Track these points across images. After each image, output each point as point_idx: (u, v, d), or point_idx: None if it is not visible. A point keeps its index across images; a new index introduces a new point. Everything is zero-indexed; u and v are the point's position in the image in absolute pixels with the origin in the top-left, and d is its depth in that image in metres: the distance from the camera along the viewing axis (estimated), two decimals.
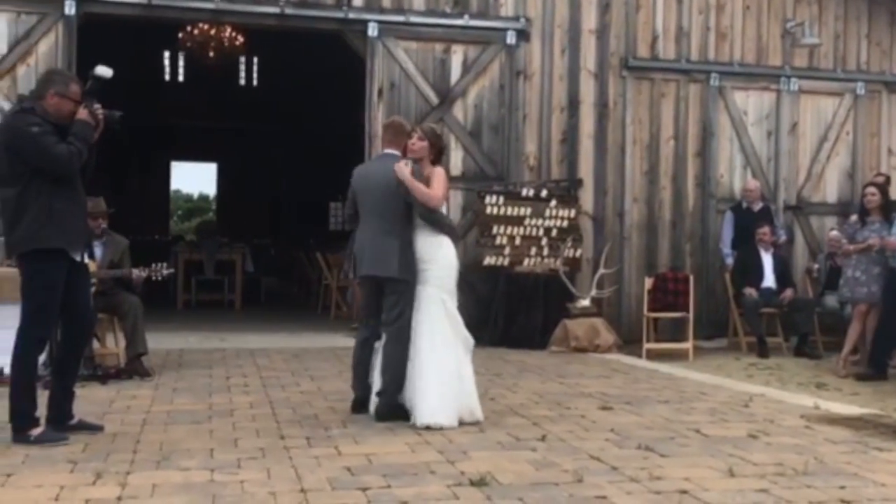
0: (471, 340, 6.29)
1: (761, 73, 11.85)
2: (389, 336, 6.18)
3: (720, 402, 7.08)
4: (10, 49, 9.95)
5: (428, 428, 5.83)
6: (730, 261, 11.14)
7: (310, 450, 5.28)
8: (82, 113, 5.45)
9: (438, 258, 6.17)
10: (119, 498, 4.26)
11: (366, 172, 6.52)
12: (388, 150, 6.45)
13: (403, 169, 6.13)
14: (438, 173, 6.23)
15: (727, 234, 11.30)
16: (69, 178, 5.43)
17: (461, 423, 5.94)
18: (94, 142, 5.51)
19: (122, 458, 5.00)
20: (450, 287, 6.21)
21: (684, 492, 4.50)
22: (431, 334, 6.07)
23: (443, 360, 6.04)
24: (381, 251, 6.19)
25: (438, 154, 6.43)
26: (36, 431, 5.34)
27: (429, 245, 6.18)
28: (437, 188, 6.15)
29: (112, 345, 8.33)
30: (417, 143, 6.29)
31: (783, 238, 11.46)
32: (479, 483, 4.56)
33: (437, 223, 6.20)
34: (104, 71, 5.50)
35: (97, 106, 5.51)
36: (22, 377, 5.43)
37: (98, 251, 8.08)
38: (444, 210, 6.41)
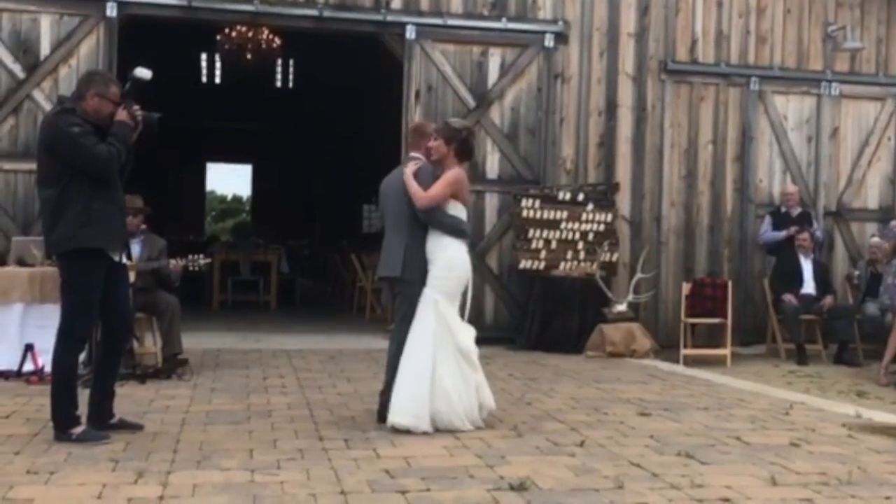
0: (468, 347, 6.03)
1: (802, 77, 11.73)
2: (392, 336, 6.25)
3: (760, 409, 7.00)
4: (53, 50, 10.06)
5: (393, 428, 5.83)
6: (768, 235, 11.07)
7: (348, 451, 5.28)
8: (121, 114, 5.48)
9: (438, 259, 6.08)
10: (161, 497, 4.28)
11: (387, 179, 6.50)
12: (412, 154, 6.47)
13: (408, 169, 6.15)
14: (447, 175, 6.10)
15: (766, 229, 11.23)
16: (108, 178, 5.46)
17: (437, 430, 5.81)
18: (132, 143, 5.55)
19: (162, 457, 5.03)
20: (446, 289, 6.06)
21: (726, 500, 4.46)
22: (415, 334, 6.01)
23: (419, 361, 5.92)
24: (389, 253, 6.27)
25: (461, 148, 6.17)
26: (77, 430, 5.38)
27: (432, 246, 6.12)
28: (434, 188, 6.04)
29: (150, 344, 8.40)
30: (433, 144, 6.21)
31: (819, 233, 11.26)
32: (518, 488, 4.54)
33: (436, 222, 6.11)
34: (143, 73, 5.54)
35: (136, 107, 5.54)
36: (63, 376, 5.48)
37: (136, 248, 8.15)
38: (454, 210, 6.15)
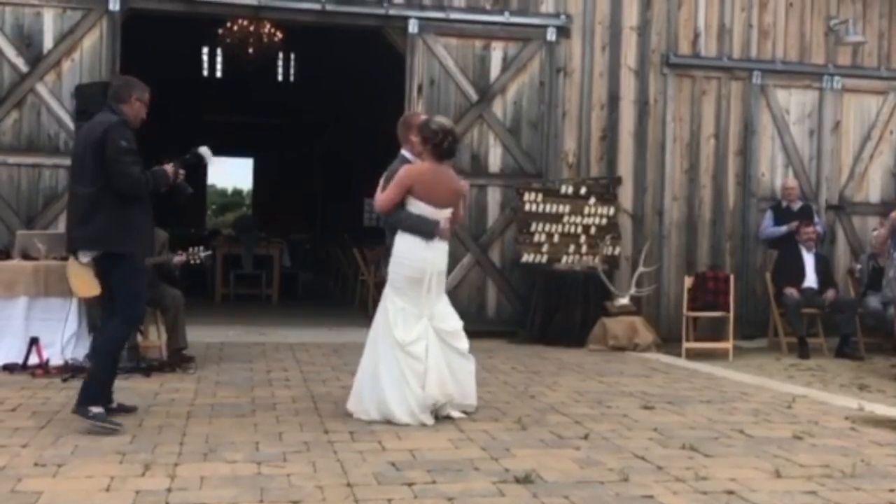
0: (404, 340, 5.94)
1: (804, 70, 11.72)
2: None
3: (762, 402, 7.03)
4: (56, 44, 10.07)
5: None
6: (769, 231, 11.11)
7: (354, 444, 5.31)
8: (171, 168, 5.94)
9: (393, 253, 6.14)
10: (169, 489, 4.31)
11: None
12: (402, 151, 6.47)
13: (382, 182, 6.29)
14: (397, 175, 6.10)
15: (767, 224, 11.26)
16: (129, 195, 5.73)
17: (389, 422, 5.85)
18: (153, 188, 5.88)
19: (169, 449, 5.05)
20: (393, 282, 6.11)
21: (731, 492, 4.48)
22: (372, 326, 6.20)
23: (366, 352, 6.16)
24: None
25: (434, 149, 6.08)
26: (97, 409, 5.53)
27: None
28: (385, 192, 6.14)
29: (155, 338, 8.42)
30: (414, 139, 6.28)
31: (819, 227, 11.25)
32: (524, 480, 4.57)
33: (398, 226, 6.13)
34: (207, 154, 6.15)
35: (182, 172, 6.01)
36: (115, 356, 5.88)
37: None
38: (416, 209, 6.05)
